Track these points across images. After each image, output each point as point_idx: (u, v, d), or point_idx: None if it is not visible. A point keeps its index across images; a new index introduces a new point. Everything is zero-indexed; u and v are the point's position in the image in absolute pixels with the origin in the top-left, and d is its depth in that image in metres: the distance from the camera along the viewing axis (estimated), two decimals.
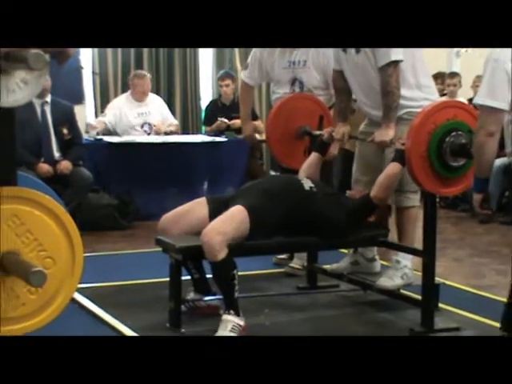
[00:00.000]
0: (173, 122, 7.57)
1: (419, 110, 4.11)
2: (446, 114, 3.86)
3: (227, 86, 7.69)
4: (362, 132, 4.53)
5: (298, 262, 4.99)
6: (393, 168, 4.06)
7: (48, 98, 6.33)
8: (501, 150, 3.34)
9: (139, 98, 7.34)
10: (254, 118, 6.05)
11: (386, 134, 4.18)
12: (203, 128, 8.35)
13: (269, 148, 5.09)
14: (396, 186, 4.25)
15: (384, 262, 4.65)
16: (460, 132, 3.84)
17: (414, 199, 4.33)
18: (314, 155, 4.56)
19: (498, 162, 4.82)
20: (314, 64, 4.99)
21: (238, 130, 7.12)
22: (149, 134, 7.31)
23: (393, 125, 4.19)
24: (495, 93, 3.04)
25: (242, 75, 5.37)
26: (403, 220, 4.35)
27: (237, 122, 7.34)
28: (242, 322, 3.78)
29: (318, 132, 4.70)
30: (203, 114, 8.34)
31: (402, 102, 4.20)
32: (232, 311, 3.78)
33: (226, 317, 3.78)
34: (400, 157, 3.99)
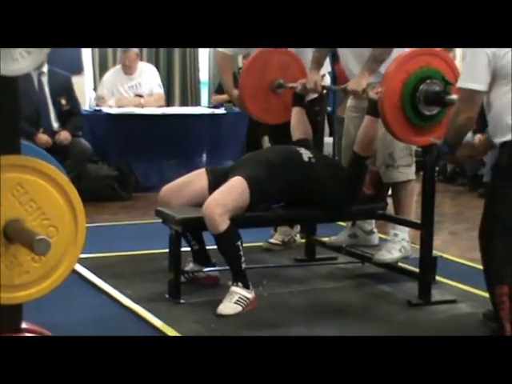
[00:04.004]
0: (157, 92, 7.43)
1: None
2: (418, 62, 3.79)
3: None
4: (350, 106, 4.52)
5: (279, 237, 4.98)
6: (367, 121, 4.02)
7: (45, 69, 6.29)
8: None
9: (127, 71, 7.32)
10: None
11: (359, 82, 4.09)
12: (201, 100, 8.35)
13: (242, 104, 4.86)
14: (388, 161, 4.26)
15: (382, 235, 4.68)
16: (434, 80, 3.78)
17: (408, 173, 4.32)
18: (295, 110, 4.51)
19: None
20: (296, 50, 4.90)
21: None
22: (142, 106, 7.29)
23: (368, 75, 4.10)
24: (475, 75, 3.13)
25: None
26: (399, 194, 4.36)
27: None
28: (249, 295, 3.82)
29: (291, 84, 4.62)
30: (206, 86, 8.29)
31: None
32: (240, 283, 3.80)
33: (233, 289, 3.81)
34: (373, 107, 3.92)
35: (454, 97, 3.71)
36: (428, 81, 3.77)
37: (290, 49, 4.78)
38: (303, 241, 4.88)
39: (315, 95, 4.80)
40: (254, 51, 4.83)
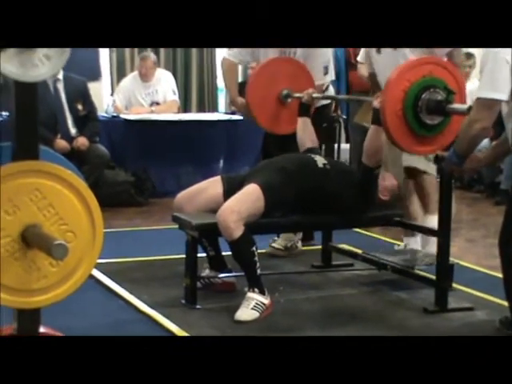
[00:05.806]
0: (170, 99, 7.46)
1: None
2: (421, 71, 3.74)
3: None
4: None
5: (282, 242, 4.96)
6: (372, 131, 4.00)
7: (60, 76, 6.30)
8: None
9: (144, 78, 7.36)
10: None
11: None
12: (218, 106, 8.33)
13: (249, 113, 4.84)
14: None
15: (398, 243, 4.67)
16: (436, 89, 3.72)
17: (428, 165, 4.34)
18: (301, 121, 4.53)
19: None
20: (304, 55, 4.82)
21: None
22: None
23: None
24: (497, 84, 3.06)
25: (226, 53, 5.15)
26: (421, 182, 4.37)
27: None
28: (266, 301, 3.82)
29: (297, 94, 4.63)
30: (223, 92, 8.29)
31: None
32: (256, 289, 3.80)
33: (250, 295, 3.81)
34: (377, 116, 3.88)
35: (457, 106, 3.68)
36: (431, 90, 3.72)
37: (297, 58, 4.80)
38: (304, 248, 4.92)
39: (325, 102, 4.83)
40: (262, 60, 4.85)
